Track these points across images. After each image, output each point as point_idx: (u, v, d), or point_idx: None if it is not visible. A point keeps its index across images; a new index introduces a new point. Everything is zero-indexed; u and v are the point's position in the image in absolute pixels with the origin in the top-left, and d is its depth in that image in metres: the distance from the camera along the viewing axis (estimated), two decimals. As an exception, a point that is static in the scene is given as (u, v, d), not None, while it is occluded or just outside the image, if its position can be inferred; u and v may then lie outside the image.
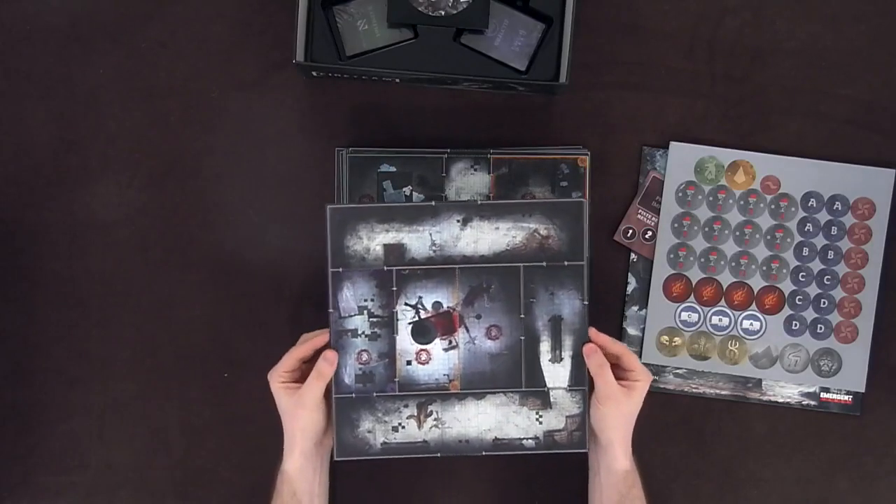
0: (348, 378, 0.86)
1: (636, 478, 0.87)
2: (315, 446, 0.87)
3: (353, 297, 0.86)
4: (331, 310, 0.86)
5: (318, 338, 0.87)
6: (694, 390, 0.99)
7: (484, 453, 0.87)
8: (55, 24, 0.98)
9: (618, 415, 0.86)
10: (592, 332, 0.87)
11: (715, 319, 0.99)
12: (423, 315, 0.86)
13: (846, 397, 0.98)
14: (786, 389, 0.99)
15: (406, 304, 0.86)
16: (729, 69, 0.98)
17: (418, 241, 0.86)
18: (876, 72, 0.98)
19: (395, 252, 0.86)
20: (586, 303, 0.86)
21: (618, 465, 0.86)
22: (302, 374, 0.87)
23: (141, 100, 0.98)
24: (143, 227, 0.98)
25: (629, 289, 0.98)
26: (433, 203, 0.86)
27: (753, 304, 0.99)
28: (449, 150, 0.96)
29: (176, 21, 0.98)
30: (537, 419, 0.87)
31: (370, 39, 0.95)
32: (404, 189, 0.96)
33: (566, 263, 0.86)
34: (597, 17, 0.97)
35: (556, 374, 0.87)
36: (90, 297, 0.98)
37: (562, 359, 0.87)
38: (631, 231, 0.98)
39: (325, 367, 0.86)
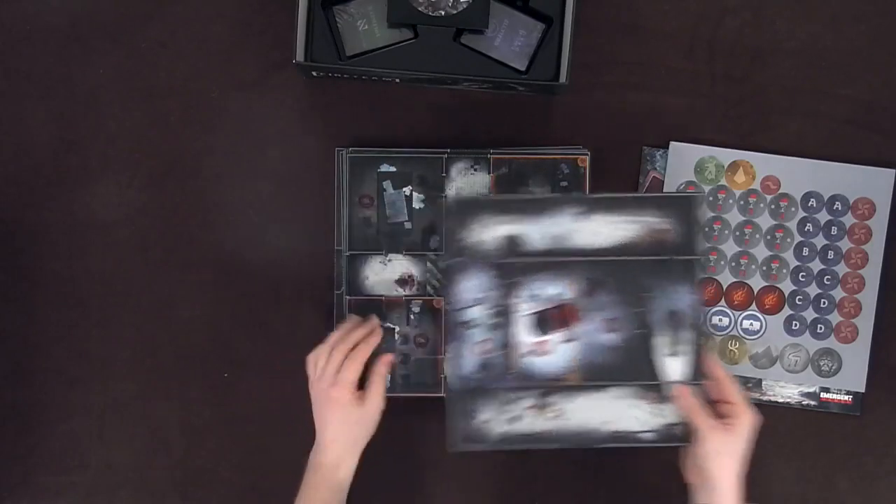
0: (466, 369, 0.86)
1: None
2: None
3: (470, 289, 0.86)
4: (448, 302, 0.87)
5: (374, 338, 0.90)
6: (694, 390, 0.99)
7: (602, 446, 0.87)
8: (55, 24, 0.98)
9: (720, 455, 0.83)
10: (710, 358, 0.86)
11: (715, 319, 0.99)
12: (541, 307, 0.86)
13: (846, 397, 0.98)
14: (786, 389, 0.99)
15: (523, 295, 0.86)
16: (729, 69, 0.98)
17: (535, 233, 0.86)
18: (876, 72, 0.98)
19: (513, 244, 0.86)
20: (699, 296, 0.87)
21: None
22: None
23: (141, 100, 0.98)
24: (143, 227, 0.98)
25: (629, 289, 0.99)
26: (551, 196, 0.87)
27: (753, 304, 0.99)
28: (449, 151, 0.96)
29: (176, 21, 0.98)
30: (655, 412, 0.86)
31: (370, 39, 0.95)
32: (404, 189, 0.96)
33: (681, 257, 0.86)
34: (597, 17, 0.97)
35: (674, 368, 0.86)
36: (90, 297, 0.98)
37: (679, 352, 0.86)
38: (631, 231, 0.98)
39: (385, 370, 0.89)
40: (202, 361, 0.99)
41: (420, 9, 0.93)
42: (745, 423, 0.83)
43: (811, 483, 0.99)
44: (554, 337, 0.86)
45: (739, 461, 0.83)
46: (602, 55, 0.98)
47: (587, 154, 0.96)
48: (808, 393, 0.99)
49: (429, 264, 0.95)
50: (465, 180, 0.96)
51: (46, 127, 0.98)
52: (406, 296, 0.96)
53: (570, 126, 0.98)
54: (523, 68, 0.95)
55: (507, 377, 0.86)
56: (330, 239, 0.97)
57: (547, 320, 0.86)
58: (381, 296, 0.96)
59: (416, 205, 0.96)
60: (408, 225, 0.96)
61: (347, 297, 0.95)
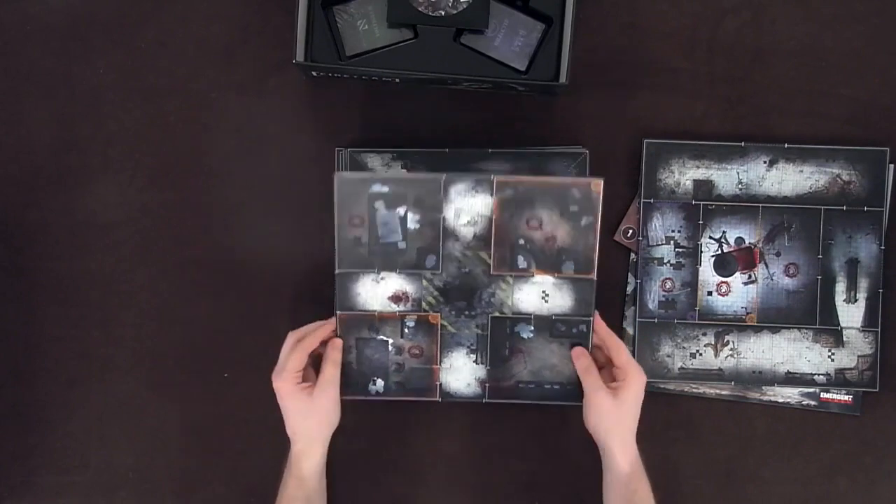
0: (651, 304, 0.93)
1: (640, 481, 0.85)
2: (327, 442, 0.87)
3: (661, 227, 0.92)
4: (640, 238, 0.93)
5: (324, 328, 0.87)
6: (694, 390, 0.99)
7: (776, 385, 0.94)
8: (55, 24, 0.98)
9: (608, 418, 0.85)
10: (596, 316, 0.87)
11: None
12: (725, 249, 0.92)
13: (846, 397, 0.98)
14: (786, 389, 0.99)
15: (710, 237, 0.92)
16: (729, 69, 0.98)
17: (726, 178, 0.93)
18: (875, 72, 0.98)
19: (704, 188, 0.93)
20: (883, 247, 0.92)
21: (617, 468, 0.85)
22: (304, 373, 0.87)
23: (141, 99, 0.98)
24: (143, 227, 0.99)
25: (629, 289, 0.98)
26: (742, 144, 0.93)
27: (753, 303, 0.99)
28: (445, 175, 0.88)
29: (176, 21, 0.98)
30: (829, 356, 0.93)
31: (370, 39, 0.95)
32: (398, 209, 0.88)
33: (865, 209, 0.92)
34: (597, 17, 0.97)
35: (850, 315, 0.93)
36: (90, 297, 0.98)
37: (856, 300, 0.92)
38: (631, 231, 0.98)
39: (337, 355, 0.86)
40: (202, 361, 0.99)
41: (420, 9, 0.93)
42: (631, 384, 0.85)
43: (811, 483, 0.99)
44: (736, 278, 0.92)
45: (627, 422, 0.85)
46: (602, 55, 0.98)
47: (588, 157, 0.96)
48: (808, 393, 0.99)
49: (424, 282, 0.89)
50: (465, 202, 0.88)
51: (46, 127, 0.98)
52: (400, 312, 0.90)
53: (570, 126, 0.98)
54: (523, 68, 0.95)
55: (689, 314, 0.92)
56: (330, 238, 0.97)
57: (730, 262, 0.92)
58: (374, 311, 0.90)
59: (412, 225, 0.88)
60: (402, 245, 0.88)
61: (338, 313, 0.89)
